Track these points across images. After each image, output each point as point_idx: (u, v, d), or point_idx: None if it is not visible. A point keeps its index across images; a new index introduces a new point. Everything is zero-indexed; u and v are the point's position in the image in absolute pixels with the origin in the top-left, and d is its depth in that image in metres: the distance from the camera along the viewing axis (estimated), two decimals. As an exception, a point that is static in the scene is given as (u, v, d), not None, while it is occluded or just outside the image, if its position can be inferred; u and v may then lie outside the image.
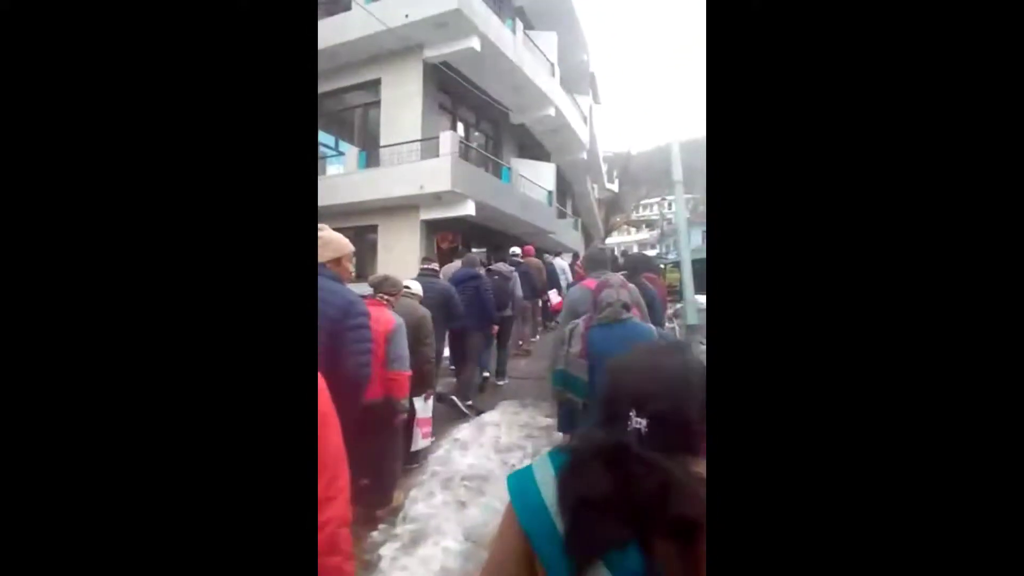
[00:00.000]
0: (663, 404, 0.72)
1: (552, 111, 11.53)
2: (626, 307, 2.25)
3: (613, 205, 28.80)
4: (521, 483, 0.75)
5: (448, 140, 8.37)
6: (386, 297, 2.91)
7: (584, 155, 15.12)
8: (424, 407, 3.37)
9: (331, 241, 2.21)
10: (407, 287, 3.44)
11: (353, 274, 2.36)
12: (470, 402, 4.78)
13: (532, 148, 13.33)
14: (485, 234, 10.83)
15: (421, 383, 3.24)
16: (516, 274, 5.90)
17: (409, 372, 2.76)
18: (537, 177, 11.86)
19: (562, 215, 16.22)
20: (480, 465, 3.43)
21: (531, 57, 10.63)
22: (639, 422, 0.71)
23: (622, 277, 2.53)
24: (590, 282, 3.08)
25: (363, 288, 2.89)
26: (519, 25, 10.20)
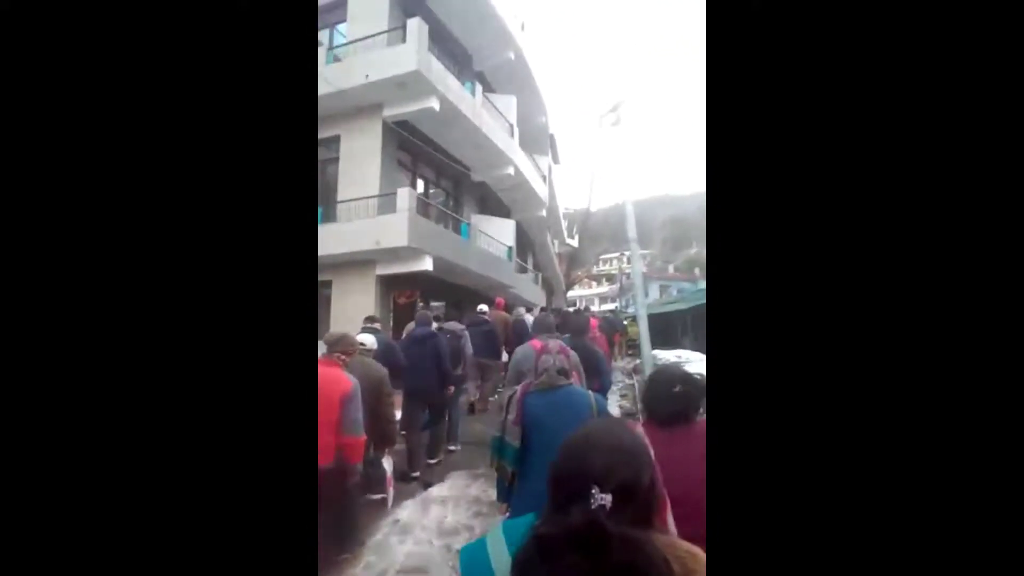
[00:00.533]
0: (626, 475, 0.71)
1: (511, 170, 11.77)
2: (563, 373, 2.25)
3: (574, 260, 29.28)
4: (473, 553, 0.75)
5: (405, 196, 8.35)
6: (342, 357, 2.76)
7: (543, 212, 15.42)
8: (388, 465, 3.39)
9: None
10: (362, 344, 3.36)
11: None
12: (416, 473, 4.49)
13: (493, 205, 13.51)
14: (445, 289, 10.71)
15: (383, 442, 3.26)
16: (467, 332, 5.73)
17: (363, 438, 2.65)
18: (497, 233, 11.96)
19: (523, 270, 16.33)
20: (420, 553, 3.15)
21: (490, 118, 10.92)
22: (603, 498, 0.69)
23: (561, 343, 2.52)
24: (536, 343, 3.11)
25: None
26: (478, 88, 10.52)
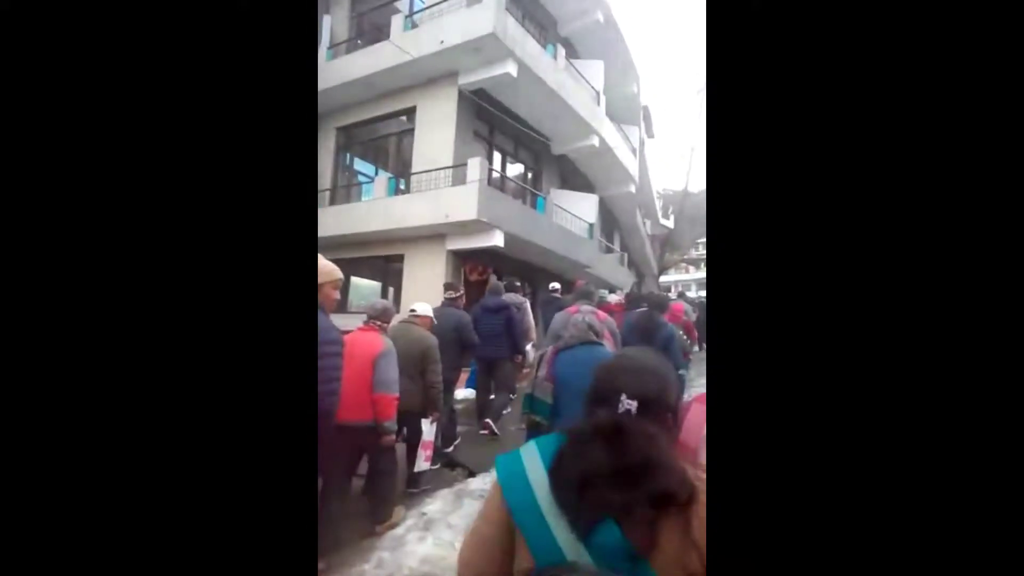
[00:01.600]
0: (651, 387, 0.82)
1: (596, 141, 10.98)
2: (594, 331, 2.28)
3: (668, 242, 27.64)
4: (509, 461, 0.82)
5: (476, 167, 7.96)
6: (379, 323, 2.95)
7: (632, 188, 14.41)
8: (428, 430, 3.42)
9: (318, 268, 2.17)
10: (412, 310, 3.60)
11: (337, 301, 2.40)
12: (488, 421, 4.76)
13: (575, 180, 12.79)
14: (519, 267, 10.27)
15: (427, 406, 3.38)
16: (527, 306, 5.61)
17: (395, 395, 2.80)
18: (578, 209, 11.25)
19: (609, 250, 15.48)
20: (437, 558, 2.70)
21: (573, 84, 10.19)
22: (630, 403, 0.80)
23: (592, 307, 2.78)
24: (573, 308, 3.32)
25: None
26: (560, 51, 9.81)
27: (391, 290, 9.42)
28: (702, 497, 0.70)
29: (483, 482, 3.80)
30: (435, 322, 3.81)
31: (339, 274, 2.37)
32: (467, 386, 6.14)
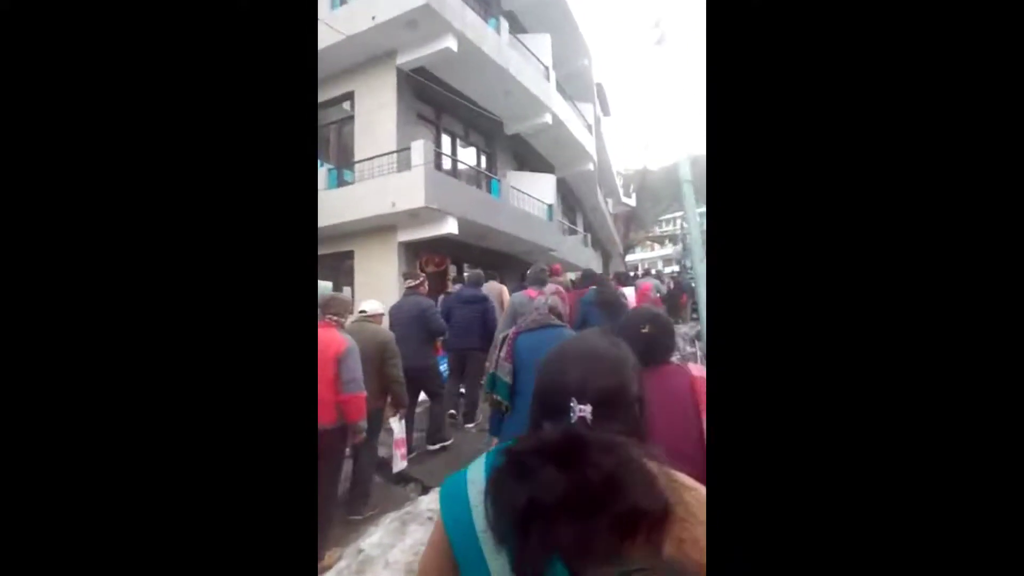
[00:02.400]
0: (606, 383, 0.70)
1: (548, 117, 10.53)
2: (556, 315, 2.29)
3: (632, 220, 27.53)
4: (452, 483, 0.73)
5: (420, 150, 7.40)
6: (334, 318, 2.79)
7: (591, 167, 14.05)
8: (399, 427, 3.38)
9: None
10: (362, 311, 3.46)
11: None
12: (449, 441, 4.41)
13: (532, 161, 12.34)
14: (478, 255, 9.80)
15: (393, 404, 3.35)
16: (491, 297, 5.15)
17: (363, 394, 2.69)
18: (536, 190, 10.81)
19: (572, 232, 15.14)
20: None
21: (520, 59, 9.70)
22: (582, 409, 0.67)
23: (556, 286, 2.65)
24: (530, 291, 3.56)
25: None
26: (504, 24, 9.30)
27: (344, 289, 8.83)
28: (686, 509, 0.61)
29: (434, 500, 3.37)
30: (390, 317, 3.81)
31: None
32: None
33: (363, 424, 2.73)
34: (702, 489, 0.65)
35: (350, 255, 8.61)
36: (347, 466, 3.08)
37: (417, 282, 4.36)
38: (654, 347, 1.45)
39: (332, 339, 2.62)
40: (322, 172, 8.61)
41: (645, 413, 0.73)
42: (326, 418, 2.53)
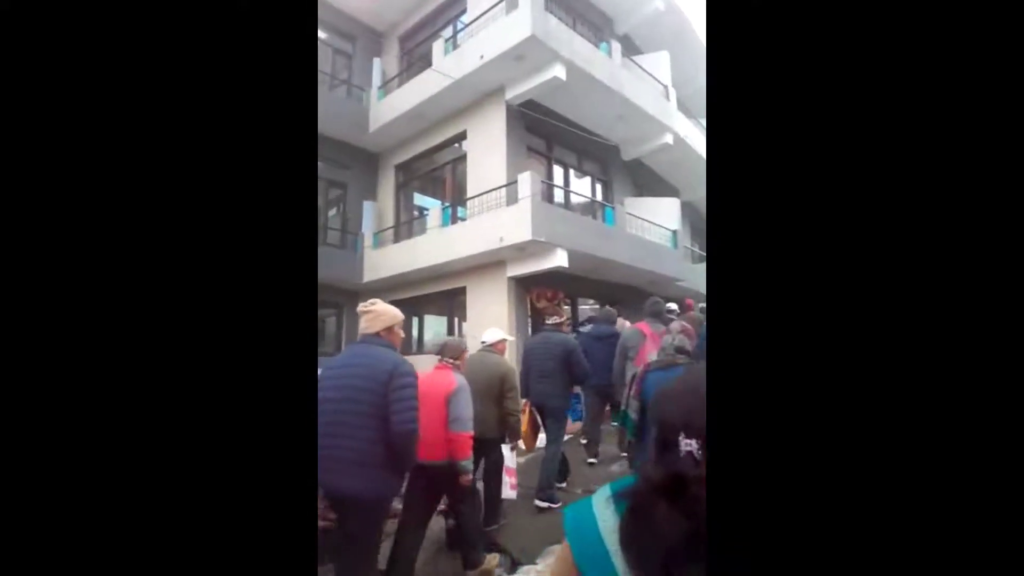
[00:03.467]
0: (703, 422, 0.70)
1: (669, 138, 9.81)
2: (683, 352, 2.34)
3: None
4: (578, 518, 0.74)
5: (527, 183, 7.20)
6: (450, 360, 2.98)
7: (722, 187, 12.86)
8: (510, 457, 3.46)
9: (382, 313, 2.37)
10: (484, 341, 3.56)
11: (402, 338, 2.48)
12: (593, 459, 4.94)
13: (653, 186, 11.60)
14: (595, 287, 9.29)
15: (508, 434, 3.42)
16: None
17: (471, 434, 2.78)
18: (657, 216, 10.04)
19: (702, 259, 13.92)
20: None
21: (635, 80, 9.20)
22: (688, 443, 0.69)
23: (683, 323, 2.73)
24: (642, 325, 3.97)
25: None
26: (616, 47, 8.90)
27: (456, 321, 8.87)
28: None
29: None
30: (526, 352, 4.12)
31: (401, 315, 2.46)
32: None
33: (468, 464, 2.80)
34: None
35: (462, 291, 8.62)
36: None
37: (562, 320, 4.40)
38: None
39: (445, 379, 2.83)
40: (435, 211, 8.82)
41: None
42: (438, 455, 2.71)
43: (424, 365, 2.99)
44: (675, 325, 2.62)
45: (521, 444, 3.75)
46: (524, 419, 3.93)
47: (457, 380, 2.82)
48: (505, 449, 3.43)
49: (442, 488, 2.87)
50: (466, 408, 2.77)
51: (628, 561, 0.64)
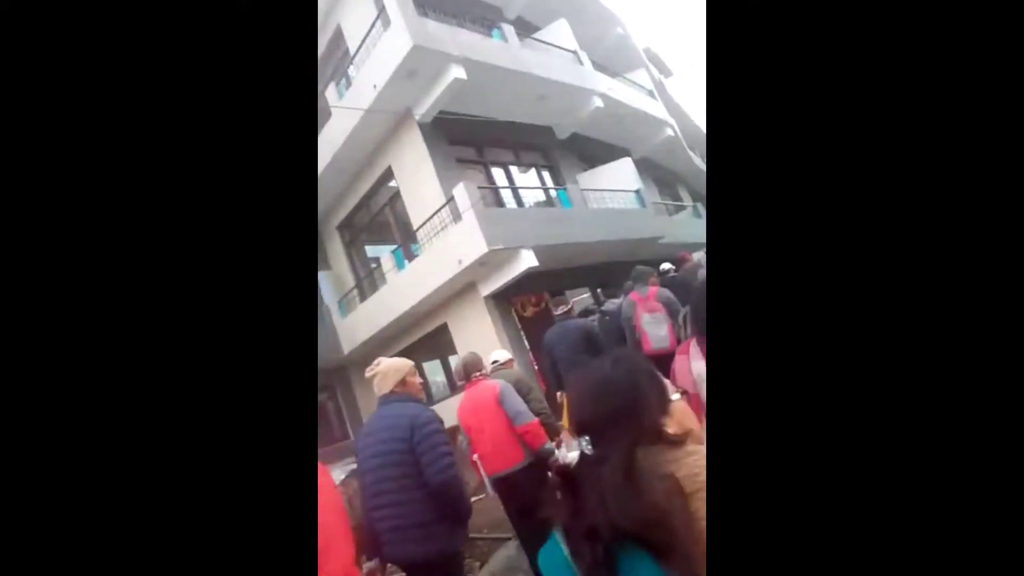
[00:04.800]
0: (599, 412, 0.77)
1: (598, 101, 9.29)
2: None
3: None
4: (548, 549, 0.77)
5: (463, 194, 6.64)
6: (478, 374, 3.01)
7: (670, 132, 12.35)
8: (563, 453, 3.35)
9: (388, 369, 2.26)
10: (494, 360, 3.58)
11: (421, 385, 2.40)
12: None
13: (602, 154, 11.05)
14: (577, 275, 8.68)
15: (549, 432, 3.25)
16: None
17: (535, 420, 2.80)
18: (614, 182, 9.48)
19: (678, 208, 13.38)
20: None
21: (542, 56, 8.71)
22: (582, 443, 0.77)
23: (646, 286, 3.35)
24: (635, 295, 4.02)
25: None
26: (509, 30, 8.41)
27: (451, 360, 8.24)
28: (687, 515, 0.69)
29: None
30: (549, 346, 4.14)
31: (408, 363, 2.34)
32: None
33: (550, 447, 2.80)
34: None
35: (444, 328, 8.01)
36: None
37: (568, 307, 4.45)
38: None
39: (485, 388, 2.86)
40: (386, 257, 8.24)
41: (656, 417, 0.78)
42: (516, 457, 2.74)
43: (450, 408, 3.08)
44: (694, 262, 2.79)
45: (566, 437, 3.64)
46: (564, 413, 3.94)
47: (498, 383, 2.86)
48: (558, 452, 3.32)
49: (535, 487, 2.71)
50: (519, 402, 2.81)
51: (581, 571, 0.70)
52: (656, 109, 11.92)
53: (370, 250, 9.71)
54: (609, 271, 8.98)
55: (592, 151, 10.81)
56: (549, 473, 2.46)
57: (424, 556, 2.00)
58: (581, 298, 8.89)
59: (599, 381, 0.79)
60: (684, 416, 0.83)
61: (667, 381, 0.81)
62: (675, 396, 0.82)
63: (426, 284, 7.26)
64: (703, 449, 0.74)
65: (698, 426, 0.82)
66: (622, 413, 0.75)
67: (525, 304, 7.86)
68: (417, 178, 7.87)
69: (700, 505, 0.68)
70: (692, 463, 0.73)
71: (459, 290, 7.42)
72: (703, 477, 0.70)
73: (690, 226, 12.02)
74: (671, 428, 0.78)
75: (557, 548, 0.74)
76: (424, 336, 8.36)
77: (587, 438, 0.75)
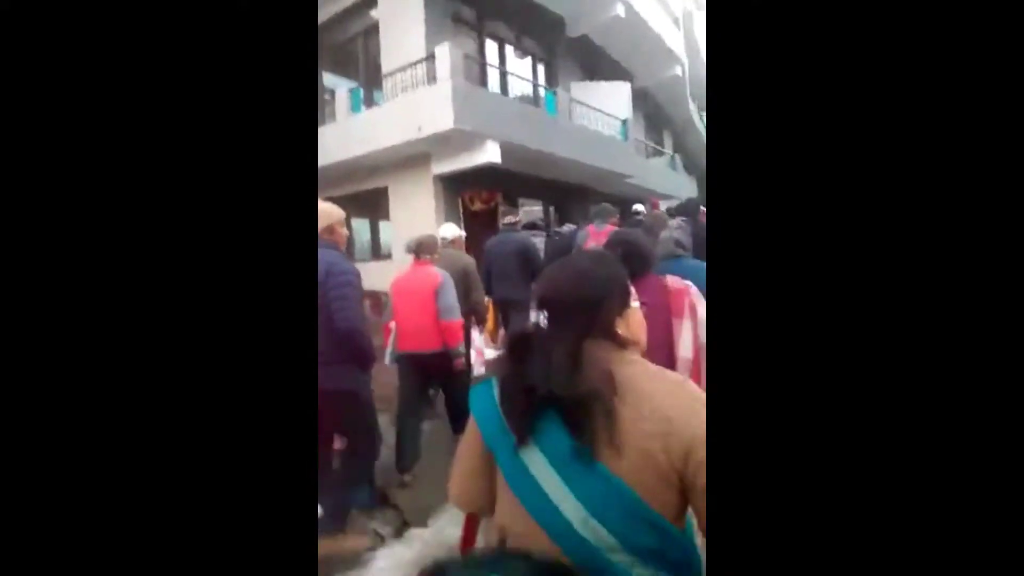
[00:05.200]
0: (563, 292, 0.85)
1: (621, 9, 8.43)
2: (680, 245, 2.34)
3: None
4: (481, 389, 0.87)
5: (445, 58, 5.91)
6: (428, 256, 3.07)
7: (679, 71, 11.66)
8: (479, 339, 3.74)
9: (319, 213, 2.23)
10: (444, 237, 3.64)
11: (346, 237, 2.41)
12: None
13: (604, 69, 10.28)
14: (539, 187, 8.32)
15: (477, 321, 3.70)
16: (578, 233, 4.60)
17: (460, 320, 3.00)
18: (606, 103, 8.91)
19: (657, 152, 13.02)
20: None
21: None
22: (537, 315, 0.85)
23: (681, 220, 2.89)
24: (591, 228, 4.19)
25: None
26: None
27: (380, 225, 7.86)
28: (641, 388, 0.77)
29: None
30: (486, 253, 4.17)
31: (340, 212, 2.36)
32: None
33: (461, 349, 3.03)
34: (654, 370, 0.82)
35: (384, 192, 7.51)
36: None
37: (516, 219, 4.54)
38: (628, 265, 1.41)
39: (429, 274, 2.97)
40: (342, 94, 7.39)
41: (617, 316, 0.85)
42: (433, 344, 2.93)
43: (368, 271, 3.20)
44: (673, 222, 2.71)
45: (486, 340, 3.95)
46: (490, 317, 4.17)
47: (441, 274, 2.99)
48: (475, 333, 3.65)
49: (435, 373, 3.10)
50: (453, 298, 2.99)
51: (506, 416, 0.80)
52: (675, 41, 11.11)
53: (327, 77, 8.68)
54: (567, 191, 8.69)
55: (595, 63, 10.01)
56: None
57: (331, 389, 2.07)
58: (532, 209, 8.62)
59: (577, 270, 0.87)
60: (637, 327, 0.89)
61: (632, 288, 0.90)
62: (635, 304, 0.89)
63: (378, 139, 6.62)
64: (645, 362, 0.83)
65: (644, 340, 0.90)
66: (587, 302, 0.83)
67: (475, 197, 7.48)
68: (403, 19, 6.92)
69: (625, 409, 0.75)
70: (631, 372, 0.79)
71: (411, 157, 6.86)
72: (639, 386, 0.77)
73: (662, 175, 11.79)
74: (621, 330, 0.84)
75: (490, 393, 0.83)
76: (361, 192, 7.82)
77: (546, 312, 0.83)
